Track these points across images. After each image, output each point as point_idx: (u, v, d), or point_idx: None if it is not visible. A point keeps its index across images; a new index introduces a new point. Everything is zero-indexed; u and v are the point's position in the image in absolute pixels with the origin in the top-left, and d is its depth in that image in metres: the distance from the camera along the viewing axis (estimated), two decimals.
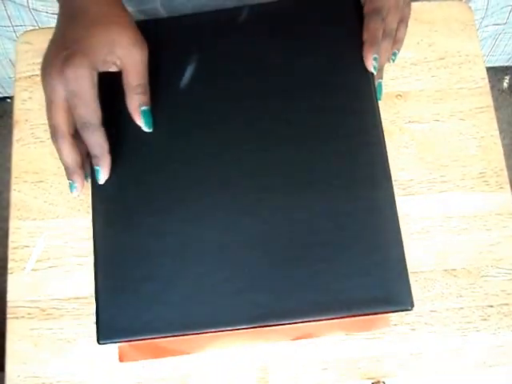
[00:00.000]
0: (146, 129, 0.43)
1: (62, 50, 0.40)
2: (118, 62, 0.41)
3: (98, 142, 0.41)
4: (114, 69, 0.42)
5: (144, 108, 0.42)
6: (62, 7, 0.44)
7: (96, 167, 0.42)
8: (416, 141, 0.52)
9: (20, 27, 0.90)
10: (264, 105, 0.45)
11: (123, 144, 0.44)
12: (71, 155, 0.41)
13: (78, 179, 0.42)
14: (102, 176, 0.43)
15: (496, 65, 1.24)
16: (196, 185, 0.44)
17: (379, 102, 0.45)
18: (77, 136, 0.42)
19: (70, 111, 0.40)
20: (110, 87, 0.42)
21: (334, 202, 0.42)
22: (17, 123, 0.53)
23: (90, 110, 0.40)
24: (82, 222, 0.50)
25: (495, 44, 1.12)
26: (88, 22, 0.41)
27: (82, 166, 0.42)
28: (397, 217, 0.42)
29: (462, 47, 0.55)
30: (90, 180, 0.45)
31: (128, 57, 0.41)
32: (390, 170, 0.43)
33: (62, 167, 0.51)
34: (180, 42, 0.46)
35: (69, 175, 0.42)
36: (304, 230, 0.42)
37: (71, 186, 0.42)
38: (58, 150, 0.41)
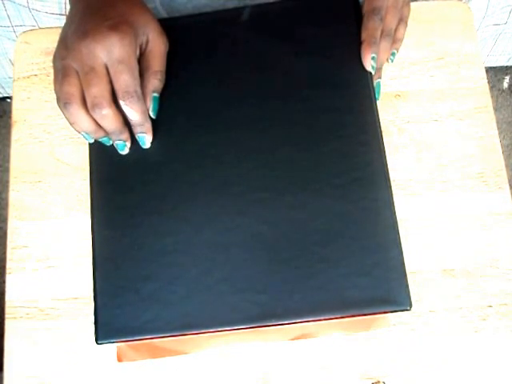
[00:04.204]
0: (151, 114, 0.44)
1: (103, 21, 0.40)
2: (145, 45, 0.43)
3: (142, 109, 0.42)
4: (138, 51, 0.42)
5: (155, 95, 0.44)
6: None
7: (140, 135, 0.43)
8: (415, 141, 0.52)
9: (20, 27, 0.90)
10: (263, 104, 0.45)
11: None
12: (119, 118, 0.41)
13: (128, 136, 0.43)
14: (148, 140, 0.44)
15: (496, 65, 1.24)
16: (195, 184, 0.44)
17: (378, 101, 0.45)
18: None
19: (109, 78, 0.40)
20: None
21: (332, 201, 0.42)
22: (15, 123, 0.53)
23: (134, 78, 0.41)
24: (81, 222, 0.50)
25: (495, 44, 1.12)
26: (124, 3, 0.42)
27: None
28: (395, 217, 0.42)
29: (461, 47, 0.55)
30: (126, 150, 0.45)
31: (156, 42, 0.43)
32: (388, 170, 0.43)
33: (61, 167, 0.52)
34: (180, 43, 0.46)
35: (118, 136, 0.42)
36: (302, 229, 0.42)
37: (122, 146, 0.43)
38: (104, 117, 0.41)
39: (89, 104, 0.40)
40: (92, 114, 0.40)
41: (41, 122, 0.53)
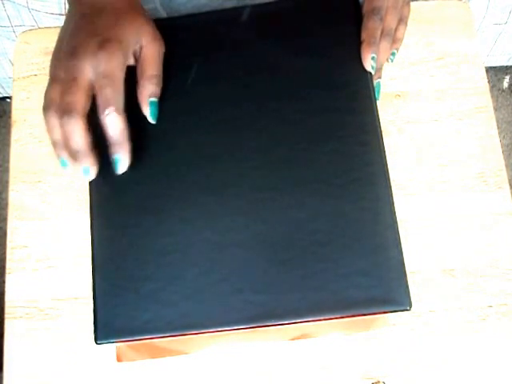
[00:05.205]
0: (150, 119, 0.44)
1: (93, 36, 0.40)
2: (140, 51, 0.42)
3: (120, 127, 0.40)
4: (133, 61, 0.42)
5: (153, 99, 0.43)
6: (79, 1, 0.44)
7: (115, 156, 0.41)
8: (415, 141, 0.52)
9: (19, 27, 0.90)
10: (263, 104, 0.45)
11: None
12: (85, 137, 0.40)
13: (92, 162, 0.41)
14: (122, 165, 0.42)
15: (496, 65, 1.24)
16: (194, 184, 0.43)
17: (378, 101, 0.45)
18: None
19: (91, 93, 0.40)
20: None
21: (332, 201, 0.42)
22: (15, 123, 0.53)
23: (116, 93, 0.40)
24: (81, 222, 0.50)
25: (495, 44, 1.12)
26: (115, 12, 0.42)
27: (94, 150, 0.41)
28: (395, 217, 0.42)
29: (461, 47, 0.55)
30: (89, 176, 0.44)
31: (149, 47, 0.43)
32: (388, 170, 0.43)
33: (61, 167, 0.52)
34: (179, 42, 0.46)
35: (81, 159, 0.40)
36: (302, 229, 0.42)
37: (85, 171, 0.41)
38: (70, 131, 0.39)
39: (60, 110, 0.39)
40: (61, 121, 0.39)
41: (41, 121, 0.53)
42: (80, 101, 0.39)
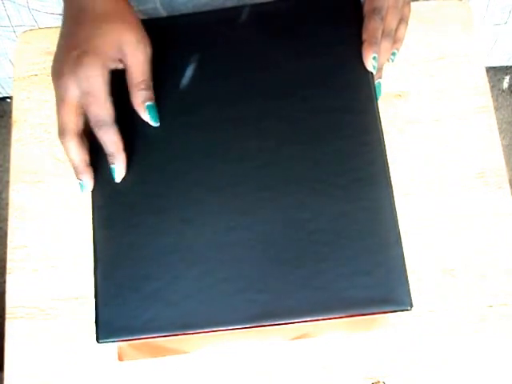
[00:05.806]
0: (152, 123, 0.44)
1: (72, 50, 0.41)
2: (124, 60, 0.42)
3: (112, 140, 0.42)
4: (121, 66, 0.43)
5: (149, 103, 0.43)
6: (66, 6, 0.44)
7: (111, 166, 0.43)
8: (415, 141, 0.52)
9: (20, 27, 0.90)
10: (264, 104, 0.45)
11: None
12: (79, 154, 0.42)
13: (86, 178, 0.43)
14: (118, 174, 0.43)
15: (496, 65, 1.24)
16: (195, 184, 0.43)
17: (378, 101, 0.45)
18: (86, 135, 0.43)
19: (81, 110, 0.41)
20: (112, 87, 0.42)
21: (333, 201, 0.42)
22: (15, 123, 0.53)
23: (103, 108, 0.41)
24: (81, 222, 0.50)
25: (495, 44, 1.12)
26: (95, 19, 0.42)
27: (90, 165, 0.43)
28: (396, 216, 0.42)
29: (462, 47, 0.55)
30: (85, 191, 0.45)
31: (133, 54, 0.42)
32: (389, 170, 0.43)
33: (61, 167, 0.52)
34: (180, 42, 0.46)
35: (77, 174, 0.43)
36: (303, 229, 0.42)
37: (81, 186, 0.43)
38: (66, 149, 0.42)
39: (59, 132, 0.42)
40: (61, 141, 0.42)
41: (41, 121, 0.53)
42: (71, 121, 0.41)
